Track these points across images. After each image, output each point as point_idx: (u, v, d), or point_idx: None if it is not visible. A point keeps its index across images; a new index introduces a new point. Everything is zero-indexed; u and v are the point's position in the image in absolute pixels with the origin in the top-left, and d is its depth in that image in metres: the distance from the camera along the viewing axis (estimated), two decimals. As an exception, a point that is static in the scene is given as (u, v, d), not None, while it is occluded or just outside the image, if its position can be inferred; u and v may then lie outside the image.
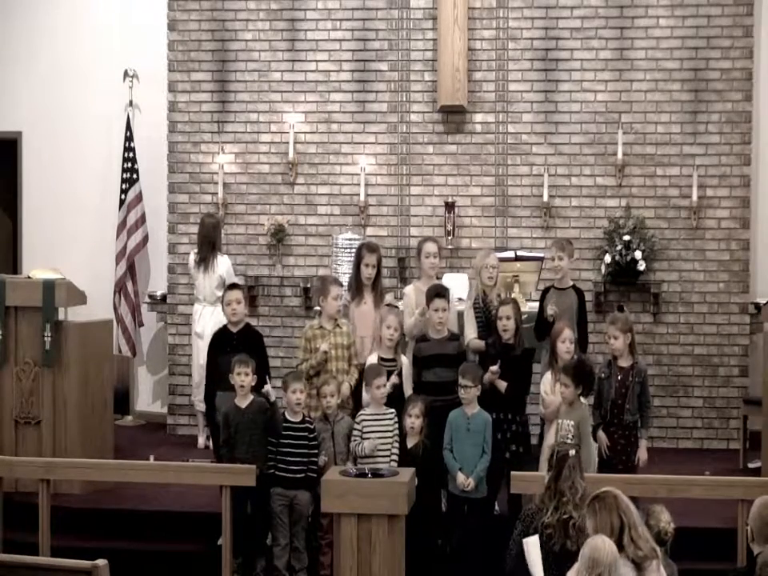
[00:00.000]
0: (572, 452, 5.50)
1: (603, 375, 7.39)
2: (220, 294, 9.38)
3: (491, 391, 7.46)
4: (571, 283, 8.31)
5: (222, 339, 7.94)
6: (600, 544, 4.59)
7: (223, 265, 9.51)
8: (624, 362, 7.43)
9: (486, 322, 7.95)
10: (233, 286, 8.18)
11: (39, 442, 8.21)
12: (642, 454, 7.37)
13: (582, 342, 7.86)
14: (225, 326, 8.04)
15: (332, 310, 7.84)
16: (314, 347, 7.76)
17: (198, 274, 9.51)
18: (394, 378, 7.44)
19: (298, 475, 7.17)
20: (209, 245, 9.49)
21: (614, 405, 7.33)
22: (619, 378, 7.37)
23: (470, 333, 7.96)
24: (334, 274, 9.50)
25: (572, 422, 6.89)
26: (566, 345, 7.42)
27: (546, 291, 8.28)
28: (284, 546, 7.16)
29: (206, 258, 9.48)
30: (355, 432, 7.29)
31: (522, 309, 8.19)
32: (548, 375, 7.43)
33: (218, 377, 7.72)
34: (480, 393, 7.36)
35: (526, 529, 5.44)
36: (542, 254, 9.22)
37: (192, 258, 9.62)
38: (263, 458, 7.18)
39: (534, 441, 7.77)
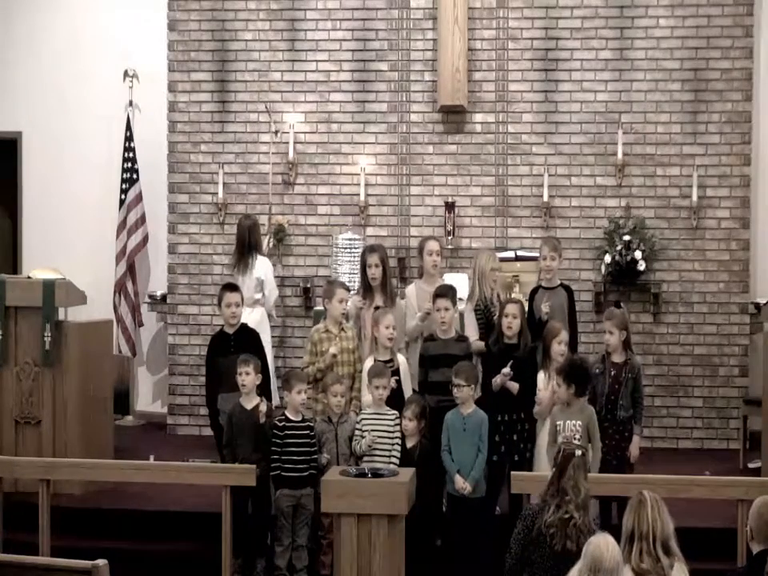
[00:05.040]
0: (578, 452, 5.49)
1: (597, 371, 7.43)
2: (258, 296, 9.19)
3: (501, 393, 7.46)
4: (558, 282, 8.31)
5: (220, 342, 7.94)
6: (604, 546, 4.52)
7: (261, 267, 9.22)
8: (617, 358, 7.49)
9: (487, 323, 7.95)
10: (233, 288, 8.09)
11: (39, 442, 8.20)
12: (634, 450, 7.41)
13: (572, 340, 7.87)
14: (221, 329, 8.04)
15: (336, 313, 7.83)
16: (320, 350, 7.75)
17: (237, 276, 9.20)
18: (393, 383, 7.43)
19: (304, 473, 7.17)
20: (245, 246, 9.21)
21: (607, 400, 7.38)
22: (612, 373, 7.43)
23: (472, 334, 7.96)
24: (334, 275, 9.53)
25: (578, 422, 6.93)
26: (561, 347, 7.45)
27: (534, 291, 8.27)
28: (287, 546, 7.17)
29: (242, 259, 9.22)
30: (356, 432, 7.29)
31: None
32: (541, 375, 7.45)
33: (218, 379, 7.73)
34: (487, 395, 7.38)
35: (526, 528, 5.42)
36: (541, 254, 9.22)
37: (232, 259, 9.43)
38: (266, 459, 7.17)
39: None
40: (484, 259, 8.20)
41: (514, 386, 7.47)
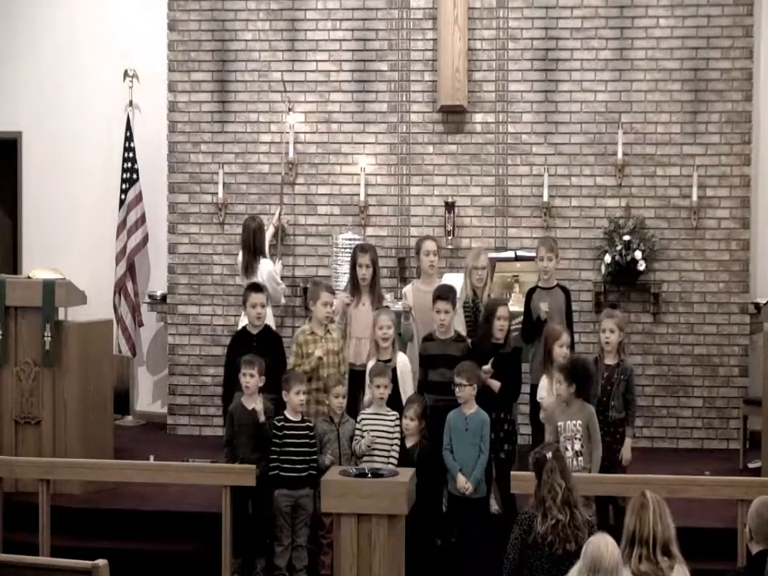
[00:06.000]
0: (549, 454, 5.49)
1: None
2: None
3: (483, 391, 7.46)
4: (555, 282, 8.32)
5: (241, 341, 7.94)
6: (603, 546, 4.51)
7: (262, 270, 9.13)
8: (610, 360, 7.49)
9: (476, 321, 7.97)
10: (258, 288, 8.08)
11: (39, 442, 8.21)
12: (626, 453, 7.39)
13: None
14: (244, 328, 8.04)
15: (321, 315, 7.86)
16: (305, 352, 7.77)
17: (244, 279, 9.12)
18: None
19: (302, 474, 7.18)
20: (249, 249, 9.16)
21: (599, 402, 7.36)
22: (605, 375, 7.44)
23: (459, 331, 7.96)
24: (334, 275, 9.52)
25: (579, 422, 6.93)
26: (564, 349, 7.46)
27: (531, 292, 8.27)
28: (286, 546, 7.17)
29: (248, 262, 9.15)
30: (357, 432, 7.31)
31: (520, 309, 8.23)
32: (545, 380, 7.44)
33: (236, 378, 7.70)
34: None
35: (523, 533, 5.42)
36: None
37: (239, 260, 9.37)
38: (266, 458, 7.17)
39: (520, 441, 7.96)
40: (469, 257, 8.29)
41: (496, 384, 7.50)
